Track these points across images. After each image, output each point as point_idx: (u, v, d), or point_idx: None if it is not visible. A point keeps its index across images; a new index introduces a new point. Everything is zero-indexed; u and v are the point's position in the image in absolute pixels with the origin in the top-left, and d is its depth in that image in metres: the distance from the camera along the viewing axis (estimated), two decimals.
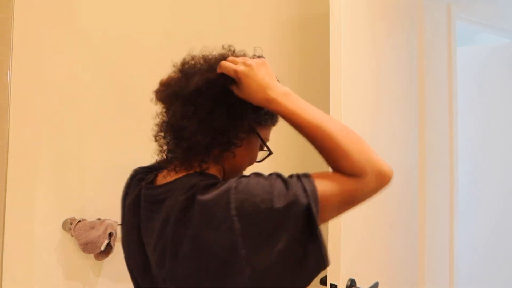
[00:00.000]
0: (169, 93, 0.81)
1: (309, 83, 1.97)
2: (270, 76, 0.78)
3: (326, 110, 1.36)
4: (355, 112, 1.38)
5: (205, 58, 0.84)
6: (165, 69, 1.74)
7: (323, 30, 1.45)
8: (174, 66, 0.86)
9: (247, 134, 0.82)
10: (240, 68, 0.76)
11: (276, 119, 0.87)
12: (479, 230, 2.71)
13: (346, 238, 1.28)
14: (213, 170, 0.80)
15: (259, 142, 0.84)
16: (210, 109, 0.76)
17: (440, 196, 2.12)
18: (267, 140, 0.87)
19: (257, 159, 0.87)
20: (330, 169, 0.83)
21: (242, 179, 0.71)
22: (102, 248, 1.41)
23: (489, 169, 2.71)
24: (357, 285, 1.29)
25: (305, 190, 0.70)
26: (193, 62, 0.84)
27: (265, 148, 0.85)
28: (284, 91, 0.77)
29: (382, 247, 1.52)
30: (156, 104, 0.87)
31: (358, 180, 0.76)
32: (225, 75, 0.78)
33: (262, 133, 0.84)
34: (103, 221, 1.43)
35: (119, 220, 1.47)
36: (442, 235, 2.12)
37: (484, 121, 2.75)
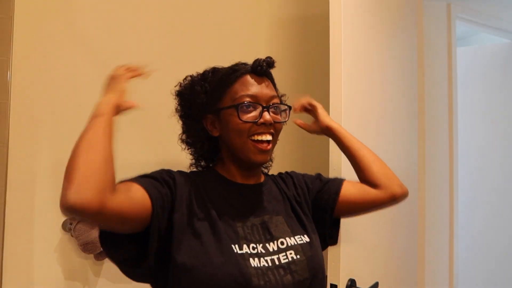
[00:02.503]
0: None
1: (309, 83, 1.97)
2: None
3: (326, 110, 1.36)
4: (355, 112, 1.38)
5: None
6: (165, 69, 1.74)
7: (323, 30, 1.45)
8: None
9: (213, 121, 0.92)
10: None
11: (226, 78, 0.92)
12: (479, 230, 2.71)
13: (345, 238, 1.28)
14: (223, 161, 0.95)
15: (229, 112, 0.89)
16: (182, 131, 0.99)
17: (440, 196, 2.12)
18: (247, 90, 0.89)
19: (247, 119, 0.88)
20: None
21: None
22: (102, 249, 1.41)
23: (489, 169, 2.72)
24: (357, 285, 1.29)
25: None
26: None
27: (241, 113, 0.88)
28: None
29: (382, 247, 1.52)
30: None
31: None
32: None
33: (227, 99, 0.90)
34: None
35: None
36: (442, 235, 2.13)
37: (484, 121, 2.75)
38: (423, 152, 1.97)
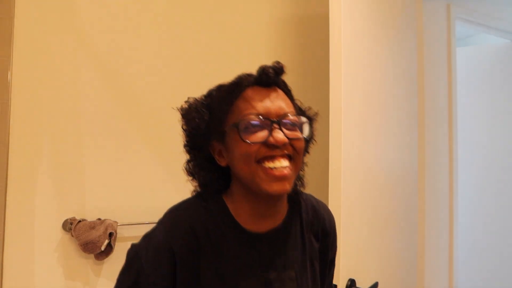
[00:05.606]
0: None
1: (309, 83, 1.97)
2: None
3: (326, 110, 1.36)
4: (355, 112, 1.38)
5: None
6: (165, 69, 1.74)
7: (323, 30, 1.45)
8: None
9: (220, 149, 0.76)
10: None
11: (233, 93, 0.75)
12: (478, 230, 2.71)
13: (345, 238, 1.28)
14: (233, 196, 0.79)
15: (231, 136, 0.73)
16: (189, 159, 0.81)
17: (440, 196, 2.12)
18: (253, 111, 0.72)
19: (251, 141, 0.71)
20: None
21: None
22: (102, 248, 1.41)
23: (489, 168, 2.72)
24: (357, 285, 1.29)
25: None
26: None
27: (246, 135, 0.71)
28: None
29: (382, 247, 1.52)
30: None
31: None
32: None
33: (230, 121, 0.73)
34: (103, 221, 1.43)
35: (119, 220, 1.47)
36: (442, 235, 2.13)
37: (484, 121, 2.75)
38: (423, 152, 1.97)
